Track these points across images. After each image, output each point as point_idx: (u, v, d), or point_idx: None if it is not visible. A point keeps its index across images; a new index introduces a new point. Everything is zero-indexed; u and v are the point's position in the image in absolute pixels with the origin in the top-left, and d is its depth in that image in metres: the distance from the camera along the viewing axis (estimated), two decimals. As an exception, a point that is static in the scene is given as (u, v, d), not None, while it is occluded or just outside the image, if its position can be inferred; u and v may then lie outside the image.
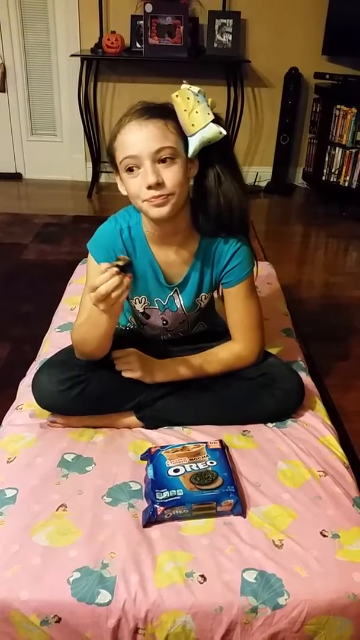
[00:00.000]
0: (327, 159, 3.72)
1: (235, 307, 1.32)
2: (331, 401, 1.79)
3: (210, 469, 1.13)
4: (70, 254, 2.78)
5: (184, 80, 1.15)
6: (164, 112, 1.11)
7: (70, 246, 2.94)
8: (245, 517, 1.09)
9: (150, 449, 1.22)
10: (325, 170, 3.74)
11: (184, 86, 1.12)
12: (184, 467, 1.14)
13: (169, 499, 1.06)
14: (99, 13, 3.57)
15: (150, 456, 1.19)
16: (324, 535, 1.05)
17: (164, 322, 1.38)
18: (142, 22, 3.43)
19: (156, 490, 1.08)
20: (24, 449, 1.24)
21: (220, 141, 1.13)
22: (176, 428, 1.33)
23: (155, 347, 1.39)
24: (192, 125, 1.11)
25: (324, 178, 3.77)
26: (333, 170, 3.71)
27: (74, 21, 3.65)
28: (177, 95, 1.11)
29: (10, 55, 3.78)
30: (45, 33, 3.73)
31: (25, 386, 1.46)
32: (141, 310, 1.36)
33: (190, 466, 1.14)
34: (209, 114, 1.11)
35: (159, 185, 1.10)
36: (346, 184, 3.68)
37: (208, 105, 1.12)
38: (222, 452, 1.20)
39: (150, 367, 1.31)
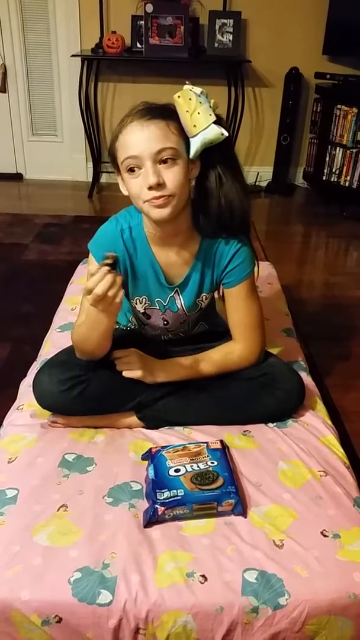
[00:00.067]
0: (327, 158, 3.72)
1: (236, 307, 1.32)
2: (332, 401, 1.79)
3: (211, 469, 1.14)
4: (71, 254, 2.78)
5: (187, 81, 1.15)
6: (166, 113, 1.11)
7: (71, 246, 2.95)
8: (246, 517, 1.09)
9: (151, 449, 1.22)
10: (325, 170, 3.74)
11: (187, 87, 1.12)
12: (184, 467, 1.14)
13: (170, 499, 1.06)
14: (100, 13, 3.57)
15: (151, 456, 1.19)
16: (325, 535, 1.05)
17: (165, 322, 1.38)
18: (142, 22, 3.43)
19: (157, 491, 1.08)
20: (25, 449, 1.24)
21: (222, 142, 1.13)
22: (177, 428, 1.33)
23: (156, 347, 1.39)
24: (194, 126, 1.11)
25: (324, 178, 3.77)
26: (334, 170, 3.71)
27: (75, 21, 3.65)
28: (179, 96, 1.11)
29: (11, 55, 3.78)
30: (46, 33, 3.73)
31: (26, 386, 1.46)
32: (142, 310, 1.36)
33: (191, 466, 1.14)
34: (210, 115, 1.11)
35: (160, 186, 1.10)
36: (347, 184, 3.68)
37: (210, 107, 1.12)
38: (223, 452, 1.20)
39: (151, 367, 1.31)
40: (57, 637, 0.95)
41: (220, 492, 1.08)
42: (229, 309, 1.33)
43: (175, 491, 1.08)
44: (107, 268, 1.04)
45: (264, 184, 4.10)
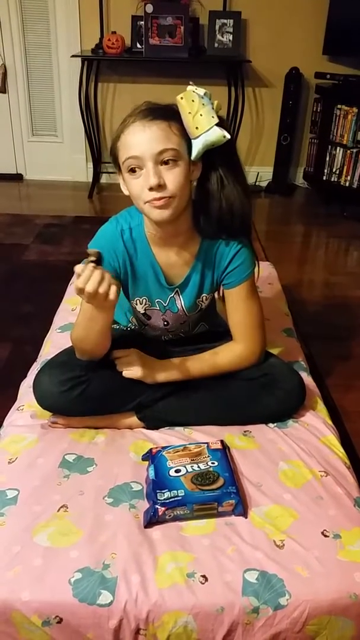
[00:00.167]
0: (327, 158, 3.72)
1: (237, 307, 1.32)
2: (332, 401, 1.79)
3: (211, 469, 1.13)
4: (71, 255, 2.78)
5: (190, 81, 1.15)
6: (168, 114, 1.11)
7: (71, 247, 2.95)
8: (246, 518, 1.09)
9: (151, 449, 1.22)
10: (326, 170, 3.74)
11: (190, 88, 1.12)
12: (185, 467, 1.14)
13: (170, 500, 1.06)
14: (100, 13, 3.57)
15: (152, 457, 1.19)
16: (325, 536, 1.05)
17: (165, 323, 1.38)
18: (142, 22, 3.43)
19: (157, 491, 1.08)
20: (25, 450, 1.24)
21: (224, 144, 1.13)
22: (177, 428, 1.33)
23: (156, 347, 1.39)
24: (196, 128, 1.11)
25: (324, 178, 3.76)
26: (334, 170, 3.71)
27: (75, 22, 3.65)
28: (181, 98, 1.10)
29: (11, 55, 3.78)
30: (46, 33, 3.73)
31: (26, 387, 1.46)
32: (142, 311, 1.36)
33: (192, 466, 1.14)
34: (213, 117, 1.11)
35: (161, 187, 1.10)
36: (347, 184, 3.67)
37: (213, 109, 1.12)
38: (223, 452, 1.20)
39: (151, 367, 1.31)
40: (57, 637, 0.95)
41: (220, 492, 1.08)
42: (229, 309, 1.33)
43: (175, 491, 1.08)
44: (92, 265, 1.03)
45: (264, 184, 4.10)
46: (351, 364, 2.06)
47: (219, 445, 1.21)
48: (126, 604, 0.94)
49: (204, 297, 1.34)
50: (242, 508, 1.09)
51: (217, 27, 3.54)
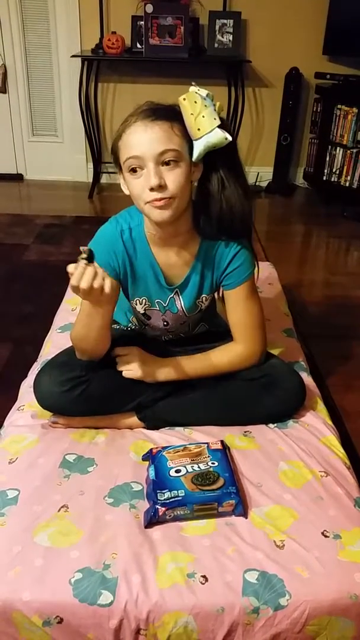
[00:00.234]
0: (328, 159, 3.72)
1: (237, 308, 1.32)
2: (332, 401, 1.79)
3: (211, 469, 1.14)
4: (72, 255, 2.73)
5: (193, 82, 1.15)
6: (171, 115, 1.11)
7: (72, 247, 2.94)
8: (246, 518, 1.09)
9: (151, 449, 1.22)
10: (326, 170, 3.74)
11: (192, 89, 1.12)
12: (185, 467, 1.14)
13: (171, 500, 1.07)
14: (100, 13, 3.57)
15: (152, 457, 1.19)
16: (326, 536, 1.05)
17: (165, 323, 1.38)
18: (142, 22, 3.43)
19: (158, 491, 1.09)
20: (26, 450, 1.24)
21: (226, 146, 1.13)
22: (177, 429, 1.33)
23: (157, 347, 1.39)
24: (198, 129, 1.11)
25: (324, 178, 3.77)
26: (334, 170, 3.71)
27: (75, 22, 3.65)
28: (184, 99, 1.10)
29: (11, 55, 3.78)
30: (46, 34, 3.73)
31: (26, 387, 1.46)
32: (142, 311, 1.36)
33: (192, 467, 1.14)
34: (215, 118, 1.11)
35: (161, 187, 1.10)
36: (347, 184, 3.68)
37: (215, 110, 1.12)
38: (224, 452, 1.20)
39: (152, 366, 1.31)
40: (58, 637, 0.95)
41: (221, 492, 1.09)
42: (229, 310, 1.33)
43: (176, 492, 1.08)
44: (84, 262, 1.04)
45: (264, 184, 4.10)
46: (351, 364, 2.06)
47: (219, 446, 1.21)
48: (127, 604, 0.94)
49: (204, 298, 1.35)
50: (242, 508, 1.09)
51: (217, 27, 3.54)
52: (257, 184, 4.08)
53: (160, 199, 1.11)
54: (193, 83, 1.13)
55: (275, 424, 1.35)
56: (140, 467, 1.20)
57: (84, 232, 2.90)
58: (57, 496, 1.12)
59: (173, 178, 1.11)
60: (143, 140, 1.09)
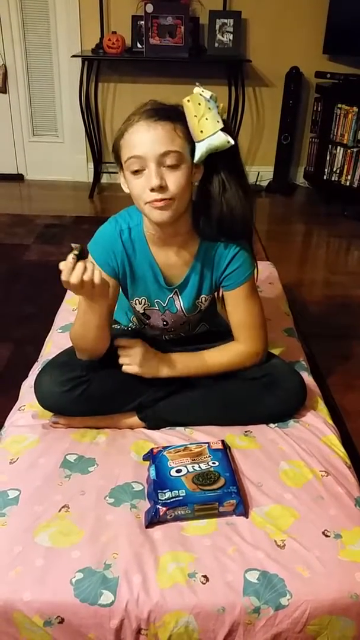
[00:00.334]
0: (328, 158, 3.71)
1: (237, 308, 1.31)
2: (333, 401, 1.79)
3: (212, 469, 1.14)
4: (72, 255, 2.77)
5: (197, 82, 1.15)
6: (174, 115, 1.11)
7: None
8: (247, 518, 1.09)
9: (152, 449, 1.22)
10: (326, 170, 3.74)
11: (197, 89, 1.11)
12: (186, 467, 1.14)
13: (172, 500, 1.07)
14: (100, 13, 3.57)
15: (153, 457, 1.19)
16: (326, 535, 1.05)
17: (164, 323, 1.38)
18: (142, 22, 3.43)
19: (158, 491, 1.09)
20: (27, 450, 1.24)
21: (228, 149, 1.13)
22: (178, 428, 1.33)
23: (157, 347, 1.39)
24: (201, 131, 1.11)
25: (325, 177, 3.76)
26: (334, 170, 3.71)
27: (75, 22, 3.65)
28: (188, 100, 1.10)
29: (12, 55, 3.78)
30: (46, 33, 3.73)
31: (27, 387, 1.46)
32: (141, 311, 1.36)
33: (193, 467, 1.14)
34: (218, 121, 1.11)
35: (162, 188, 1.10)
36: (347, 183, 3.67)
37: (218, 112, 1.12)
38: (224, 452, 1.20)
39: (154, 362, 1.29)
40: (59, 637, 0.95)
41: (221, 492, 1.09)
42: (229, 310, 1.33)
43: (176, 491, 1.08)
44: (72, 257, 1.05)
45: (264, 183, 4.09)
46: (352, 364, 2.06)
47: (219, 445, 1.21)
48: (127, 604, 0.94)
49: (203, 298, 1.34)
50: (243, 508, 1.09)
51: (217, 26, 3.54)
52: (257, 183, 4.08)
53: (161, 200, 1.11)
54: (197, 83, 1.13)
55: (276, 424, 1.35)
56: (141, 467, 1.20)
57: (84, 232, 2.89)
58: (58, 496, 1.12)
59: (174, 179, 1.11)
60: (145, 140, 1.09)
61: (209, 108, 1.10)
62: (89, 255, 1.10)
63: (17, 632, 0.96)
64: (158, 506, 1.06)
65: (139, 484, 1.16)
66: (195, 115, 1.10)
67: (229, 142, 1.12)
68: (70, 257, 1.04)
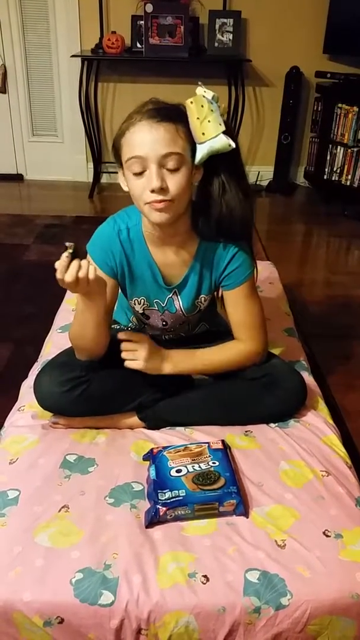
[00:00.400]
0: (328, 157, 3.71)
1: (237, 308, 1.31)
2: (334, 401, 1.79)
3: (212, 469, 1.13)
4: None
5: (199, 82, 1.14)
6: (176, 116, 1.10)
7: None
8: (247, 518, 1.09)
9: (152, 449, 1.22)
10: (326, 169, 3.74)
11: (199, 89, 1.11)
12: (186, 467, 1.14)
13: (172, 500, 1.06)
14: (100, 13, 3.57)
15: (153, 457, 1.19)
16: (327, 535, 1.05)
17: (164, 323, 1.37)
18: (142, 22, 3.43)
19: (158, 491, 1.08)
20: (26, 450, 1.24)
21: (229, 151, 1.13)
22: (178, 428, 1.33)
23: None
24: (203, 133, 1.10)
25: (325, 177, 3.76)
26: (335, 169, 3.70)
27: (75, 21, 3.65)
28: (191, 102, 1.10)
29: (11, 55, 3.78)
30: (46, 33, 3.73)
31: (27, 387, 1.46)
32: (140, 311, 1.36)
33: (193, 466, 1.14)
34: (220, 124, 1.10)
35: (163, 190, 1.10)
36: (348, 183, 3.67)
37: (221, 115, 1.11)
38: (224, 452, 1.20)
39: (158, 358, 1.27)
40: (59, 638, 0.95)
41: (221, 492, 1.08)
42: (229, 310, 1.33)
43: (176, 491, 1.08)
44: (65, 256, 1.05)
45: (264, 183, 4.09)
46: (352, 364, 2.06)
47: (220, 445, 1.21)
48: (127, 604, 0.94)
49: (203, 298, 1.34)
50: (243, 508, 1.08)
51: (217, 26, 3.54)
52: (257, 183, 4.07)
53: (161, 201, 1.10)
54: (200, 83, 1.13)
55: (276, 424, 1.35)
56: (141, 467, 1.20)
57: (84, 232, 2.87)
58: (58, 496, 1.12)
59: (175, 181, 1.10)
60: (147, 141, 1.08)
61: (212, 110, 1.10)
62: (87, 255, 1.10)
63: (17, 632, 0.96)
64: (158, 506, 1.06)
65: (138, 484, 1.16)
66: (198, 118, 1.10)
67: (230, 145, 1.11)
68: (64, 256, 1.05)
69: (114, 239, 1.25)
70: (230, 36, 3.55)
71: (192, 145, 1.12)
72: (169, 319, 1.36)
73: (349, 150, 3.58)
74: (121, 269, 1.27)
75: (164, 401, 1.34)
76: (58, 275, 1.05)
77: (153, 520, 1.06)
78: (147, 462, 1.20)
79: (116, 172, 1.21)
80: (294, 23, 3.66)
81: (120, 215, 1.27)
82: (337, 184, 3.72)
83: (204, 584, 0.96)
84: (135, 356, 1.24)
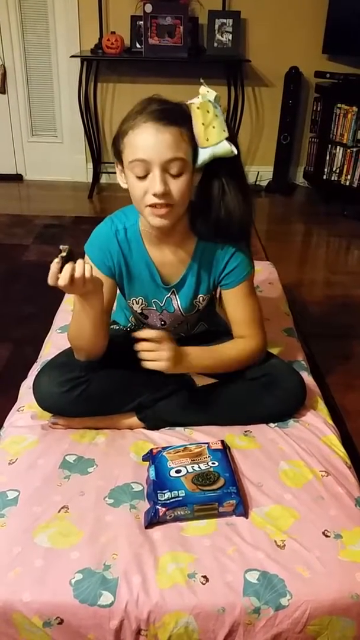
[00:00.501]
0: (328, 157, 3.71)
1: (237, 306, 1.31)
2: (333, 401, 1.79)
3: (212, 469, 1.13)
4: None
5: (201, 79, 1.14)
6: (180, 119, 1.09)
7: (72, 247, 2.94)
8: (247, 518, 1.09)
9: (151, 449, 1.22)
10: (326, 169, 3.74)
11: (202, 89, 1.11)
12: (185, 467, 1.14)
13: (171, 500, 1.06)
14: (99, 13, 3.57)
15: (152, 457, 1.19)
16: (327, 536, 1.05)
17: (162, 322, 1.37)
18: (142, 22, 3.43)
19: (158, 491, 1.08)
20: (26, 451, 1.24)
21: (231, 157, 1.13)
22: (178, 429, 1.33)
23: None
24: (207, 139, 1.10)
25: (324, 177, 3.76)
26: (334, 169, 3.70)
27: (74, 22, 3.65)
28: (198, 107, 1.09)
29: (11, 56, 3.78)
30: (45, 34, 3.73)
31: (26, 388, 1.46)
32: (139, 310, 1.36)
33: (192, 467, 1.14)
34: (224, 130, 1.10)
35: (165, 194, 1.10)
36: (347, 183, 3.67)
37: (224, 120, 1.12)
38: (224, 452, 1.19)
39: (179, 358, 1.20)
40: (58, 638, 0.94)
41: (221, 492, 1.08)
42: (229, 309, 1.33)
43: (176, 492, 1.08)
44: (59, 259, 1.05)
45: (264, 183, 4.09)
46: (352, 363, 2.06)
47: (219, 446, 1.21)
48: (127, 604, 0.94)
49: (201, 298, 1.34)
50: (242, 508, 1.08)
51: (216, 26, 3.54)
52: (257, 183, 4.07)
53: (162, 206, 1.10)
54: (202, 82, 1.13)
55: (276, 424, 1.35)
56: (140, 468, 1.20)
57: (83, 232, 2.87)
58: (57, 497, 1.12)
59: (177, 186, 1.10)
60: (152, 145, 1.07)
61: (216, 115, 1.10)
62: (85, 256, 1.09)
63: (16, 632, 0.95)
64: (157, 507, 1.06)
65: (138, 485, 1.16)
66: (203, 123, 1.10)
67: (232, 151, 1.12)
68: (55, 261, 1.05)
69: (111, 238, 1.25)
70: (230, 36, 3.55)
71: (194, 148, 1.12)
72: (167, 318, 1.36)
73: (349, 150, 3.59)
74: (119, 268, 1.27)
75: (164, 401, 1.34)
76: (49, 281, 1.05)
77: (152, 520, 1.06)
78: (147, 463, 1.20)
79: (115, 172, 1.21)
80: (293, 23, 3.66)
81: (117, 215, 1.27)
82: (337, 184, 3.72)
83: (204, 584, 0.96)
84: (158, 357, 1.16)
